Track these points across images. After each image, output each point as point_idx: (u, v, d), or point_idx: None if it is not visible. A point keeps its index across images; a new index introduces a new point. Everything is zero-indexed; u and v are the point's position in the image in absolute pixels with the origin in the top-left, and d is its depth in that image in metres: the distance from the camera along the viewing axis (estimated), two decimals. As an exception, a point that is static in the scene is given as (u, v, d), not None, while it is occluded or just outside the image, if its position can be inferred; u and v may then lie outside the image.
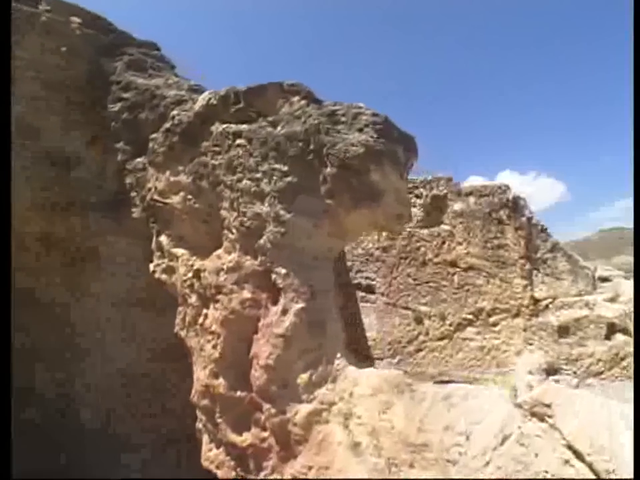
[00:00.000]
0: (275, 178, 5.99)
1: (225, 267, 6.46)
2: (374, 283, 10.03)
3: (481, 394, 5.09)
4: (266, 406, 5.98)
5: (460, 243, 8.90)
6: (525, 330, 8.34)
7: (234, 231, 6.45)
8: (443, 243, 9.10)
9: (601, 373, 7.27)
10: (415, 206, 9.42)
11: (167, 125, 7.03)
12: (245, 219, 6.25)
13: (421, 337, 9.46)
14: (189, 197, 6.98)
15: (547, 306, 8.25)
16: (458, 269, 8.98)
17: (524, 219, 8.29)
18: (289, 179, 5.90)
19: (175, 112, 6.97)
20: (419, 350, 9.47)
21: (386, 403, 5.06)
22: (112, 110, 7.66)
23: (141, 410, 10.12)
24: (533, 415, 4.53)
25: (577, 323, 7.66)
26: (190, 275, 6.96)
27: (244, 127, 6.29)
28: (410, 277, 9.53)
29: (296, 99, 5.92)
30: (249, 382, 6.22)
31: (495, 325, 8.69)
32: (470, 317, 8.90)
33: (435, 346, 9.32)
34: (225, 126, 6.46)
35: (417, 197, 9.36)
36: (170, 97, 7.18)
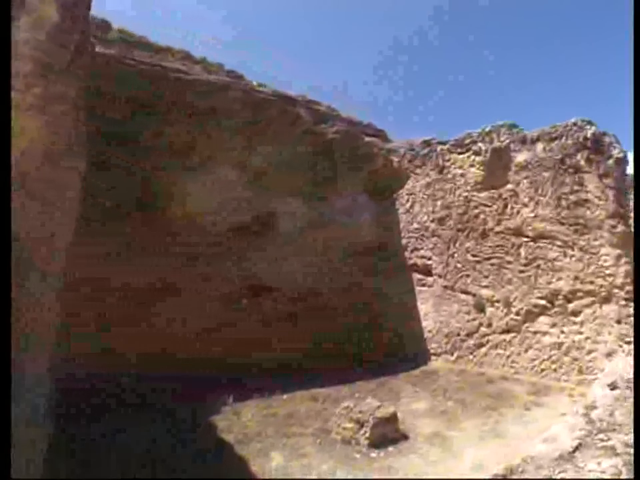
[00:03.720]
0: None
1: None
2: (430, 262, 8.47)
3: None
4: None
5: (526, 205, 6.81)
6: (618, 322, 5.79)
7: None
8: (505, 206, 7.10)
9: None
10: (473, 165, 7.68)
11: None
12: None
13: (483, 329, 7.48)
14: None
15: (654, 286, 5.57)
16: (525, 239, 6.85)
17: (611, 161, 5.85)
18: None
19: None
20: (481, 345, 7.49)
21: None
22: None
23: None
24: None
25: (701, 310, 4.94)
26: None
27: None
28: (469, 253, 7.71)
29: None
30: None
31: (575, 313, 6.27)
32: (542, 302, 6.64)
33: (498, 340, 7.25)
34: None
35: (476, 153, 7.61)
36: None
